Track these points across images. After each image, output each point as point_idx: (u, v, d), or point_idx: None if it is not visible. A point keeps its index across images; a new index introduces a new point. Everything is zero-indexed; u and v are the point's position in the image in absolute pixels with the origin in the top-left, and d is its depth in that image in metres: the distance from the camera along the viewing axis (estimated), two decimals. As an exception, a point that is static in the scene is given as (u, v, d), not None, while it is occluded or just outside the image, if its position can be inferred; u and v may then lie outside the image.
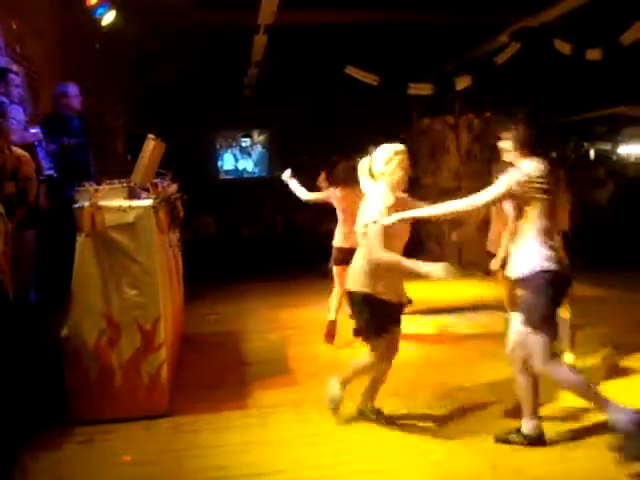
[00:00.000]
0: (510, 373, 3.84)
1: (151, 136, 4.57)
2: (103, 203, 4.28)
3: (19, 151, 4.46)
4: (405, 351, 4.38)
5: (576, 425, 3.97)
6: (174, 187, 5.82)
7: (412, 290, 4.69)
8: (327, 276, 6.28)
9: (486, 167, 10.44)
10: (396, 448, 3.80)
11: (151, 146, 4.54)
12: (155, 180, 5.15)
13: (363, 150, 5.30)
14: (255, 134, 13.98)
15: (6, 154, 4.25)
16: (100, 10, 6.59)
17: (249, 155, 14.12)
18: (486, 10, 8.59)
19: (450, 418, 4.23)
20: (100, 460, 3.78)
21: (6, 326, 3.52)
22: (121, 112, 7.78)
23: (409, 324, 5.67)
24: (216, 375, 5.27)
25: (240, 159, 14.12)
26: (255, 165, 14.13)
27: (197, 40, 8.86)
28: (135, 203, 4.37)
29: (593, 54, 8.75)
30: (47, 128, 5.10)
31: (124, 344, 4.25)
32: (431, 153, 10.79)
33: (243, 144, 14.03)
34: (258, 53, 9.16)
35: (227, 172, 14.07)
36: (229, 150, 14.07)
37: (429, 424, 4.15)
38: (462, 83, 9.77)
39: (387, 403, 4.26)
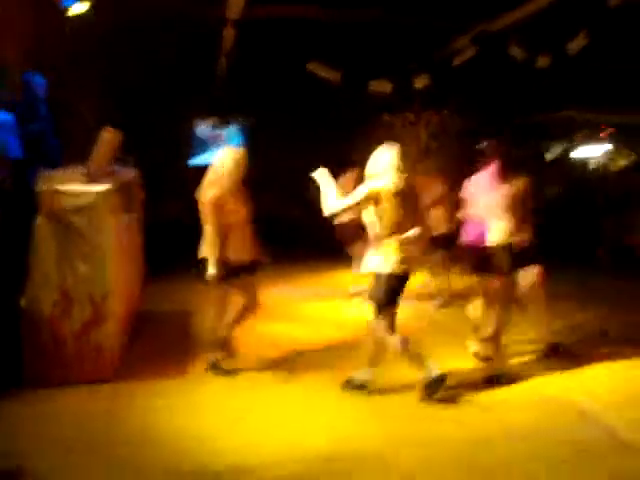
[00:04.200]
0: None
1: (107, 128, 4.98)
2: (62, 187, 4.72)
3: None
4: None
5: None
6: (133, 173, 6.23)
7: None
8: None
9: (441, 163, 10.95)
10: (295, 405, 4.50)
11: (106, 137, 4.96)
12: (113, 166, 5.56)
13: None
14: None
15: None
16: (69, 1, 6.85)
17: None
18: (449, 14, 9.01)
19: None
20: (45, 420, 4.16)
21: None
22: (91, 102, 8.07)
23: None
24: (164, 348, 5.68)
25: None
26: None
27: (167, 34, 9.14)
28: (91, 188, 4.82)
29: (543, 61, 9.27)
30: (14, 114, 5.42)
31: (76, 315, 4.70)
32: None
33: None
34: (227, 46, 9.47)
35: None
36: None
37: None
38: (421, 82, 10.21)
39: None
